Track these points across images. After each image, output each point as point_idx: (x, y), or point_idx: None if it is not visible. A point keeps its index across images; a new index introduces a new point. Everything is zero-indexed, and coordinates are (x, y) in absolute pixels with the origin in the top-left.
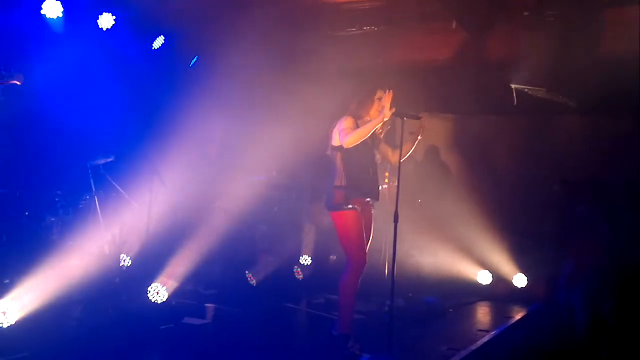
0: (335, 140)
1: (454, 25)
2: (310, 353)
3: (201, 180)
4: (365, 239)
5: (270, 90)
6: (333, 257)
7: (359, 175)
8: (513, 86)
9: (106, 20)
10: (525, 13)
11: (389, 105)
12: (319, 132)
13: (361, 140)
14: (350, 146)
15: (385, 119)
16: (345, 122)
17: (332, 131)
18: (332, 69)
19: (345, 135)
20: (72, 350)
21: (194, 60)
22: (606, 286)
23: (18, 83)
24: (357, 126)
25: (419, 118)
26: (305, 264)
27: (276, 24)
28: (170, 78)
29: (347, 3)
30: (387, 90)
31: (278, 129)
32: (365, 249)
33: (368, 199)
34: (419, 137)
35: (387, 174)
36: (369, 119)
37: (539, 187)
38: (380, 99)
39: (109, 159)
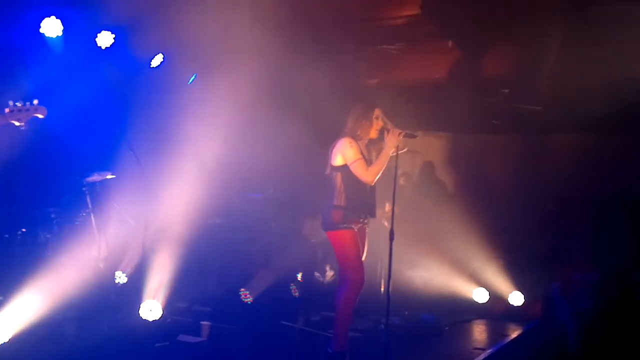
0: (336, 161)
1: (450, 45)
2: None
3: (198, 196)
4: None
5: (269, 108)
6: (317, 274)
7: (357, 194)
8: (509, 104)
9: (105, 39)
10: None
11: (395, 131)
12: (317, 150)
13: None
14: (376, 179)
15: (398, 145)
16: (350, 150)
17: (331, 151)
18: (330, 86)
19: (363, 173)
20: None
21: (192, 78)
22: (597, 305)
23: (40, 116)
24: (360, 150)
25: (415, 136)
26: (303, 282)
27: (274, 41)
28: (169, 96)
29: (344, 21)
30: (381, 115)
31: (276, 146)
32: (363, 267)
33: (364, 219)
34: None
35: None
36: (368, 138)
37: (535, 205)
38: (377, 118)
39: (106, 176)
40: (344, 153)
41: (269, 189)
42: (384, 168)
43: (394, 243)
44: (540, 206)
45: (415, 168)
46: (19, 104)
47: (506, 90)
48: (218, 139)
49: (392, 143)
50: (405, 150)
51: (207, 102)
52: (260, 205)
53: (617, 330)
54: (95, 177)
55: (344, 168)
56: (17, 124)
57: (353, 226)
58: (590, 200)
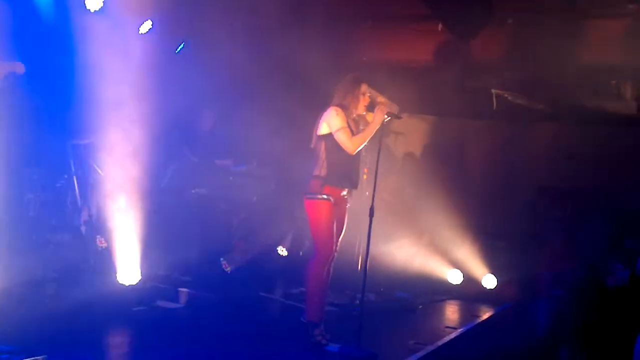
0: (321, 130)
1: (439, 28)
2: (278, 340)
3: (182, 166)
4: (335, 231)
5: (257, 81)
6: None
7: (340, 164)
8: (494, 91)
9: (94, 3)
10: (510, 20)
11: (383, 108)
12: (303, 125)
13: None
14: (357, 150)
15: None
16: (336, 119)
17: (318, 121)
18: (321, 62)
19: (346, 141)
20: (45, 326)
21: (180, 46)
22: (571, 293)
23: (19, 71)
24: (346, 120)
25: (399, 117)
26: (283, 255)
27: (265, 14)
28: (156, 63)
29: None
30: (368, 91)
31: (262, 121)
32: (333, 241)
33: (344, 193)
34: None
35: (366, 170)
36: (356, 113)
37: (513, 192)
38: (364, 94)
39: (90, 140)
40: (329, 121)
41: (253, 162)
42: (367, 141)
43: (373, 221)
44: (518, 193)
45: (399, 149)
46: None
47: (492, 76)
48: (207, 109)
49: (379, 119)
50: (391, 118)
51: (196, 72)
52: (243, 178)
53: (585, 318)
54: (79, 141)
55: (328, 137)
56: None
57: (332, 198)
58: (568, 190)
